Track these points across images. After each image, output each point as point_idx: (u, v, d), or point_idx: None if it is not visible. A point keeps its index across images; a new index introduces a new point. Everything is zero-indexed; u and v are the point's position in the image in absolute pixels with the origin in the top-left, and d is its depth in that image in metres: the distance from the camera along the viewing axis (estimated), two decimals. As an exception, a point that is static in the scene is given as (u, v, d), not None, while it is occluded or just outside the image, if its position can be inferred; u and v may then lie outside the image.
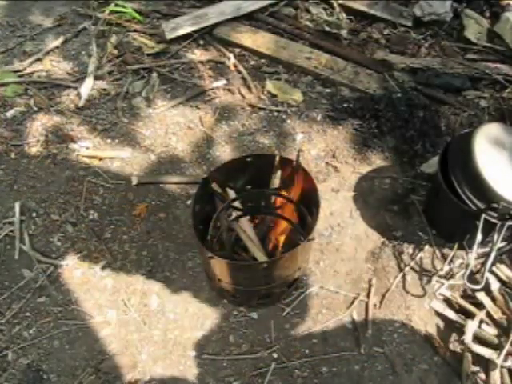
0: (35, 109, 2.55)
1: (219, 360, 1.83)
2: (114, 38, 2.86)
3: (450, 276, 2.01)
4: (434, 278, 2.00)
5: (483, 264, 1.85)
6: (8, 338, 1.88)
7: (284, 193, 1.90)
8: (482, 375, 1.75)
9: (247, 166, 1.97)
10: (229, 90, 2.65)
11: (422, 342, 1.86)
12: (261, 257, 1.86)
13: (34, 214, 2.19)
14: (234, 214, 1.96)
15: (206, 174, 1.87)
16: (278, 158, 1.95)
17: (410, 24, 2.92)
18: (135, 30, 2.91)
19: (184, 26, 2.82)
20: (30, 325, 1.91)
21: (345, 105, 2.57)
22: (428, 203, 2.19)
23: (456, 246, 2.06)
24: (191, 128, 2.51)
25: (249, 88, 2.66)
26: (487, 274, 1.85)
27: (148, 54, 2.80)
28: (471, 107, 2.57)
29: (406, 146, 2.39)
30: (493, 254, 1.83)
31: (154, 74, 2.70)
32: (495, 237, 1.83)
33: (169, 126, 2.51)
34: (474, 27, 2.85)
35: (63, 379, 1.79)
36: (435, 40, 2.88)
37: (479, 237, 1.83)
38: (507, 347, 1.72)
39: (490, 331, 1.80)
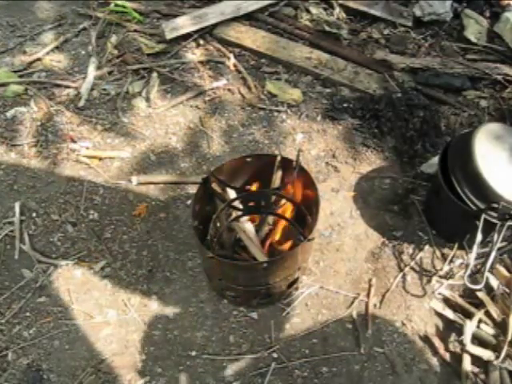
0: (35, 109, 2.55)
1: (219, 360, 1.83)
2: (114, 38, 2.86)
3: (449, 276, 2.01)
4: (434, 278, 2.00)
5: (483, 264, 1.85)
6: (8, 338, 1.88)
7: (284, 193, 1.90)
8: (482, 375, 1.75)
9: (247, 165, 1.97)
10: (229, 90, 2.65)
11: (422, 342, 1.86)
12: (261, 257, 1.86)
13: (34, 214, 2.19)
14: (234, 213, 1.96)
15: (206, 173, 1.87)
16: (279, 158, 1.95)
17: (410, 24, 2.92)
18: (135, 30, 2.91)
19: (184, 26, 2.82)
20: (30, 325, 1.91)
21: (345, 105, 2.57)
22: (428, 203, 2.19)
23: (456, 246, 2.06)
24: (191, 128, 2.51)
25: (249, 88, 2.66)
26: (487, 274, 1.85)
27: (148, 54, 2.79)
28: (471, 107, 2.57)
29: (406, 146, 2.39)
30: (493, 254, 1.83)
31: (154, 74, 2.70)
32: (495, 237, 1.83)
33: (169, 126, 2.51)
34: (474, 27, 2.86)
35: (63, 379, 1.79)
36: (435, 40, 2.88)
37: (479, 237, 1.83)
38: (505, 348, 1.72)
39: (489, 331, 1.80)
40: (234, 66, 2.75)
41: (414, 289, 1.99)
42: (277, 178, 1.96)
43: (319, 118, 2.53)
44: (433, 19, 2.91)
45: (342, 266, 2.06)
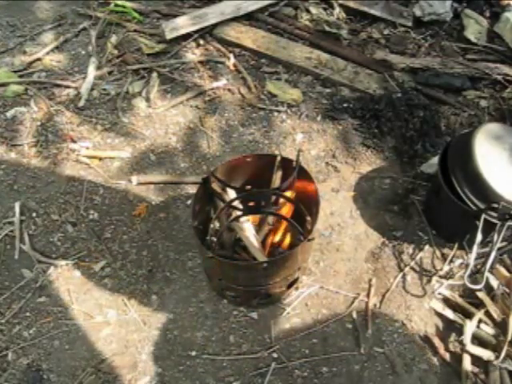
0: (35, 109, 2.55)
1: (219, 360, 1.83)
2: (114, 38, 2.86)
3: (449, 276, 2.01)
4: (434, 278, 2.00)
5: (483, 264, 1.85)
6: (8, 338, 1.88)
7: (284, 193, 1.90)
8: (482, 375, 1.75)
9: (247, 165, 1.97)
10: (229, 90, 2.65)
11: (422, 342, 1.86)
12: (261, 257, 1.86)
13: (34, 214, 2.19)
14: (234, 213, 1.96)
15: (206, 173, 1.87)
16: (279, 158, 1.95)
17: (410, 24, 2.92)
18: (135, 30, 2.91)
19: (184, 26, 2.82)
20: (30, 325, 1.91)
21: (345, 105, 2.57)
22: (428, 203, 2.19)
23: (456, 246, 2.06)
24: (191, 128, 2.51)
25: (249, 88, 2.66)
26: (487, 274, 1.85)
27: (148, 54, 2.79)
28: (471, 107, 2.57)
29: (406, 146, 2.39)
30: (493, 254, 1.83)
31: (154, 74, 2.70)
32: (495, 237, 1.83)
33: (169, 126, 2.51)
34: (474, 27, 2.86)
35: (63, 379, 1.79)
36: (435, 40, 2.88)
37: (479, 237, 1.83)
38: (505, 348, 1.72)
39: (489, 331, 1.80)
40: (234, 65, 2.75)
41: (414, 289, 1.99)
42: (277, 178, 1.96)
43: (319, 118, 2.53)
44: (433, 19, 2.91)
45: (342, 266, 2.06)
